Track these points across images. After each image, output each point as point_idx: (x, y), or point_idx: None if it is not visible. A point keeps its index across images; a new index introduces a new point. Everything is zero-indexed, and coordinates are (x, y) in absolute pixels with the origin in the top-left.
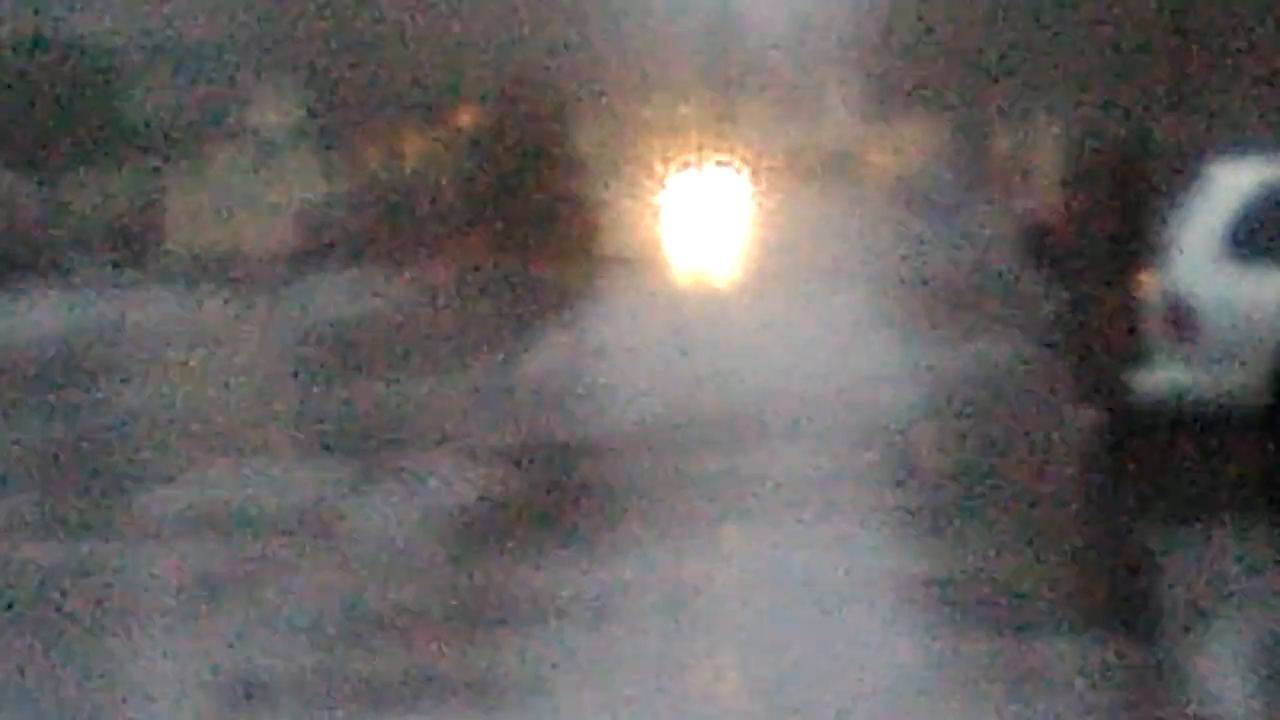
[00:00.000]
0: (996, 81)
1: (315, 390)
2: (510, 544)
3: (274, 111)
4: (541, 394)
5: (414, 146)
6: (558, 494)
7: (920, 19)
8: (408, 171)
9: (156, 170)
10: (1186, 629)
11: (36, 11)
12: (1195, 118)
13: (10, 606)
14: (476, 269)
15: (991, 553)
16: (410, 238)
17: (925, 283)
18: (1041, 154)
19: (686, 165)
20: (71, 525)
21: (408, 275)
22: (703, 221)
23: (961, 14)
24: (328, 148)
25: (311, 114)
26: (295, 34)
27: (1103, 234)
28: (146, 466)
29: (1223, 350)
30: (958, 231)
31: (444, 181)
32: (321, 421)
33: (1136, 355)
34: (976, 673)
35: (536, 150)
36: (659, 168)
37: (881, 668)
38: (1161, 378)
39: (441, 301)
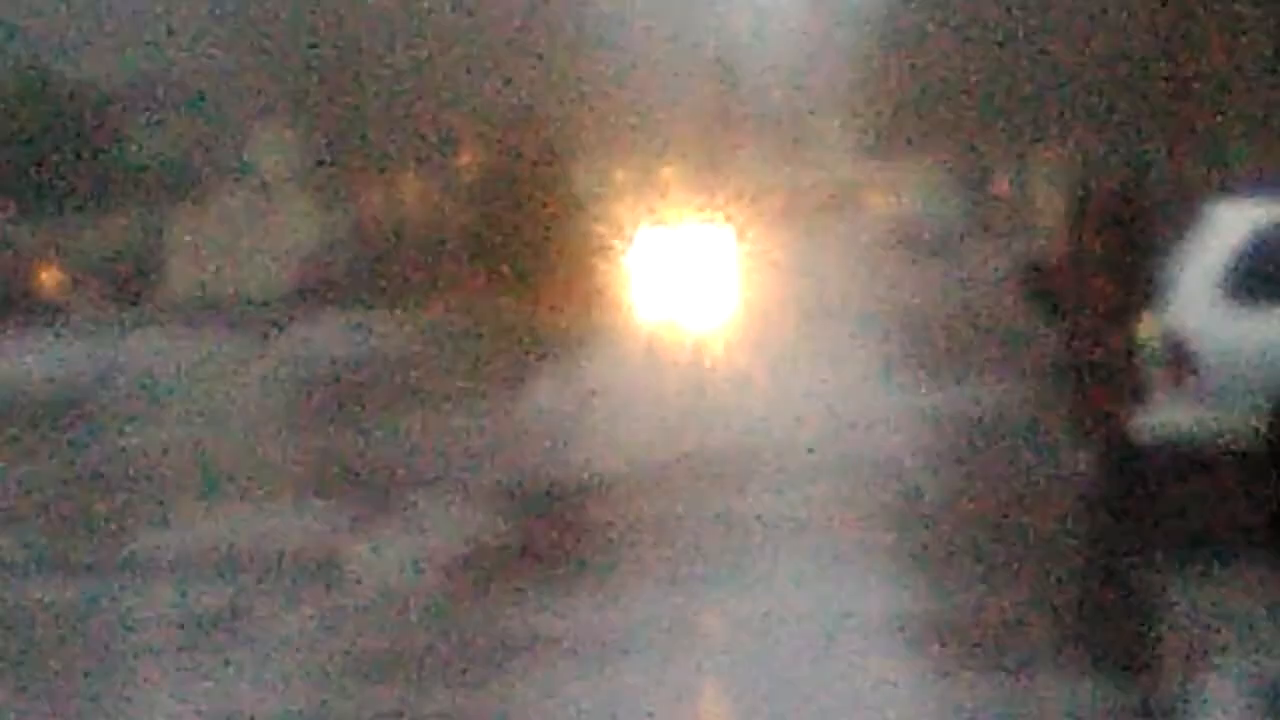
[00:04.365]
0: (995, 122)
1: (313, 431)
2: (509, 584)
3: (273, 153)
4: (540, 435)
5: (412, 189)
6: (556, 535)
7: (919, 60)
8: (406, 213)
9: (156, 211)
10: (1187, 668)
11: (37, 53)
12: (1194, 158)
13: (9, 643)
14: (474, 311)
15: (992, 593)
16: (408, 279)
17: (924, 323)
18: (1040, 195)
19: (684, 206)
20: (69, 565)
21: (405, 317)
22: (700, 262)
23: (960, 55)
24: (326, 190)
25: (310, 156)
26: (295, 77)
27: (1102, 275)
28: (144, 507)
29: (1222, 390)
30: (957, 272)
31: (441, 223)
32: (320, 462)
33: (1136, 395)
34: (977, 712)
35: (534, 193)
36: (656, 208)
37: (883, 707)
38: (1161, 418)
39: (439, 343)
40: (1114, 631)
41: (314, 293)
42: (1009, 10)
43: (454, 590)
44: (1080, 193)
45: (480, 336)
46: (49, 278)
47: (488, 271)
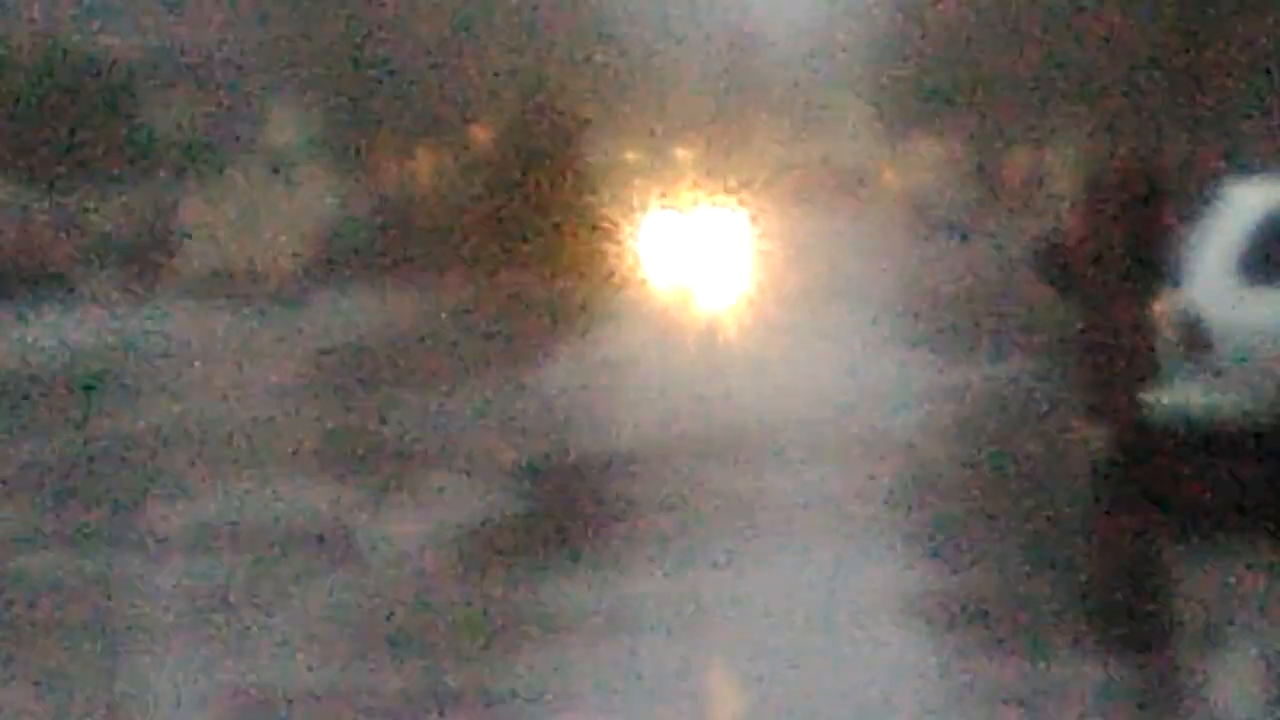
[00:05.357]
0: (1011, 101)
1: (328, 407)
2: (523, 560)
3: (289, 128)
4: (555, 411)
5: (427, 163)
6: (571, 510)
7: (934, 40)
8: (421, 188)
9: (171, 186)
10: (1199, 647)
11: (54, 27)
12: (1209, 138)
13: (21, 619)
14: (491, 285)
15: (1003, 571)
16: (423, 254)
17: (939, 301)
18: (1055, 174)
19: (699, 183)
20: (83, 540)
21: (420, 292)
22: (716, 239)
23: (976, 35)
24: (342, 164)
25: (326, 131)
26: (310, 51)
27: (1117, 253)
28: (158, 482)
29: (1235, 369)
30: (971, 250)
31: (457, 198)
32: (335, 437)
33: (1150, 374)
34: (989, 691)
35: (550, 168)
36: (670, 187)
37: (894, 685)
38: (1174, 396)
39: (454, 318)
40: (1126, 610)
41: (329, 269)
42: None
43: (468, 566)
44: (1096, 172)
45: (495, 314)
46: (64, 253)
47: (502, 249)
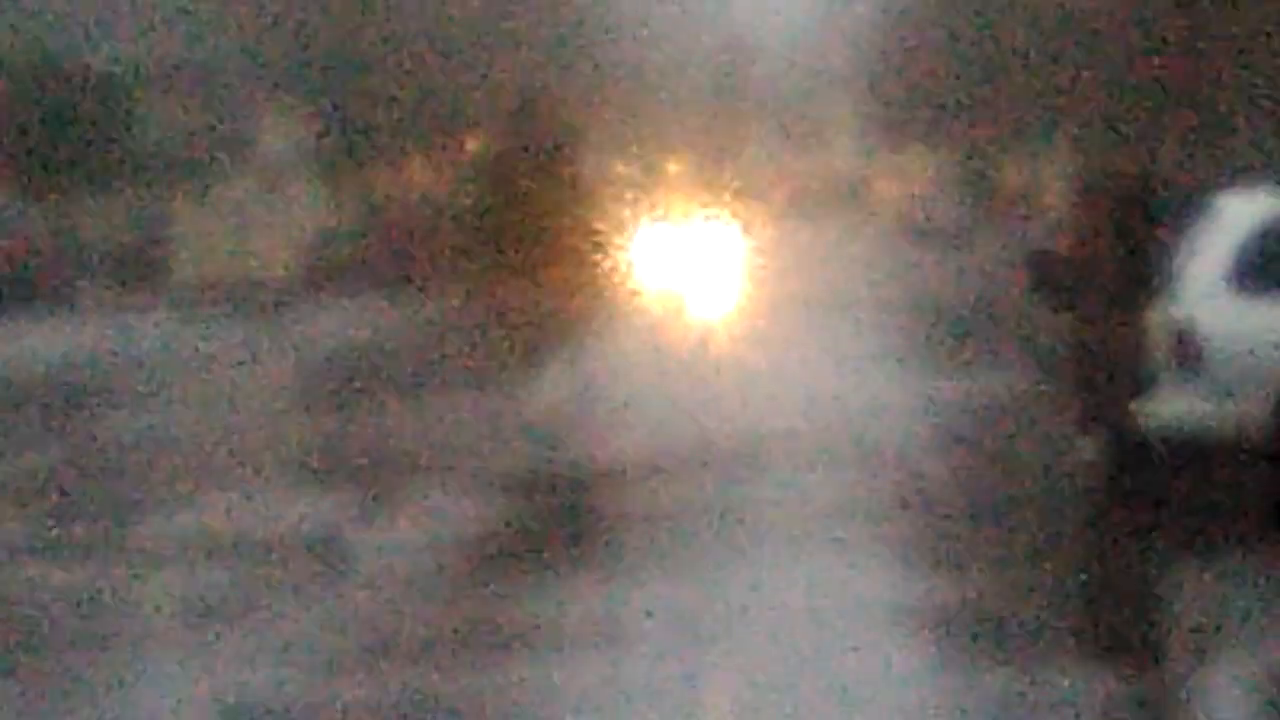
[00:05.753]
0: (1003, 113)
1: (321, 417)
2: (517, 572)
3: (281, 138)
4: (549, 422)
5: (420, 173)
6: (565, 522)
7: (927, 50)
8: (414, 198)
9: (163, 196)
10: (1192, 658)
11: (45, 37)
12: (1202, 149)
13: (12, 629)
14: (483, 296)
15: (997, 582)
16: (416, 264)
17: (931, 313)
18: (1047, 185)
19: (691, 195)
20: (75, 550)
21: (411, 302)
22: (709, 251)
23: (967, 46)
24: (334, 174)
25: (318, 140)
26: (302, 61)
27: (1109, 264)
28: (151, 492)
29: (1228, 380)
30: (963, 262)
31: (450, 208)
32: (327, 448)
33: (1142, 385)
34: (983, 703)
35: (542, 180)
36: (663, 199)
37: (888, 698)
38: (1167, 407)
39: (447, 328)
40: (1120, 621)
41: (320, 279)
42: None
43: (458, 578)
44: (1088, 183)
45: (486, 325)
46: (56, 262)
47: (493, 260)
